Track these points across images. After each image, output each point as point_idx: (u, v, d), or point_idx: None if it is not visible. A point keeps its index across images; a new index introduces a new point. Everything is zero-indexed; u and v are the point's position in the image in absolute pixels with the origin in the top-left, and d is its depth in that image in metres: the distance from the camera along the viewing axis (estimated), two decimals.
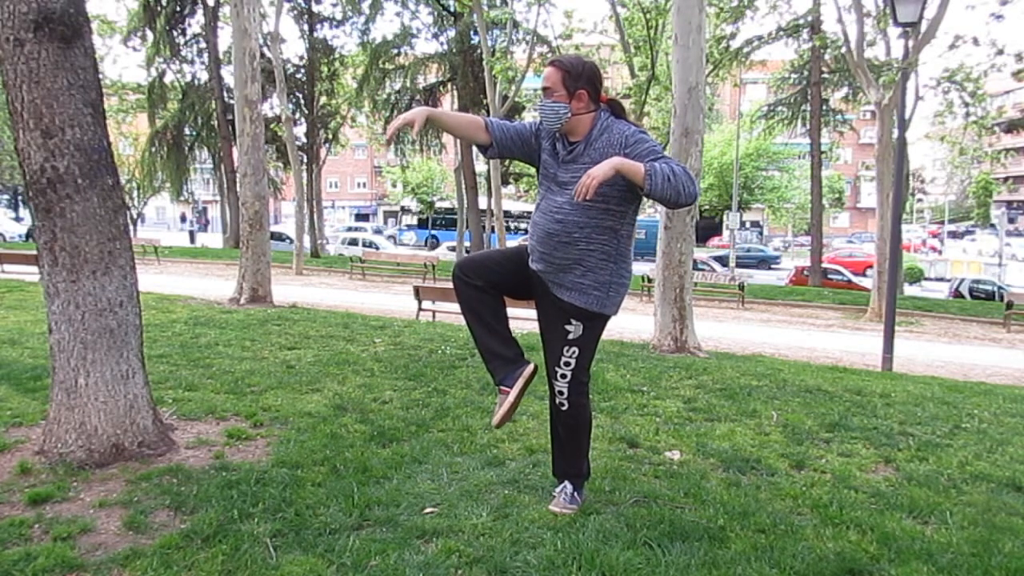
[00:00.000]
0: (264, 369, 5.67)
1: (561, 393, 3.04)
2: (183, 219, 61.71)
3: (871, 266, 23.92)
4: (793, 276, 28.68)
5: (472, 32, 25.97)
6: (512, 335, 3.13)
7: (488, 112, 23.27)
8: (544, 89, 2.89)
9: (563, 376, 3.01)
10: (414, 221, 50.69)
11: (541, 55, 25.40)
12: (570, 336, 2.96)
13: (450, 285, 3.21)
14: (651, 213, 45.49)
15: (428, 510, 3.01)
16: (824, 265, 27.57)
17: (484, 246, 29.87)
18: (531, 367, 3.04)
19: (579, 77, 2.85)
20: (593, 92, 2.88)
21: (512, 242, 27.78)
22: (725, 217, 32.00)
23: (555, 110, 2.86)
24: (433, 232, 45.40)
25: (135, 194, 38.76)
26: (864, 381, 6.66)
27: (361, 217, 64.81)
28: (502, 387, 3.04)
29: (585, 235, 2.87)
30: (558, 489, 3.13)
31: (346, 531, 2.80)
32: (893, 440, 4.43)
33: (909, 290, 28.53)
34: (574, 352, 2.99)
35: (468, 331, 3.12)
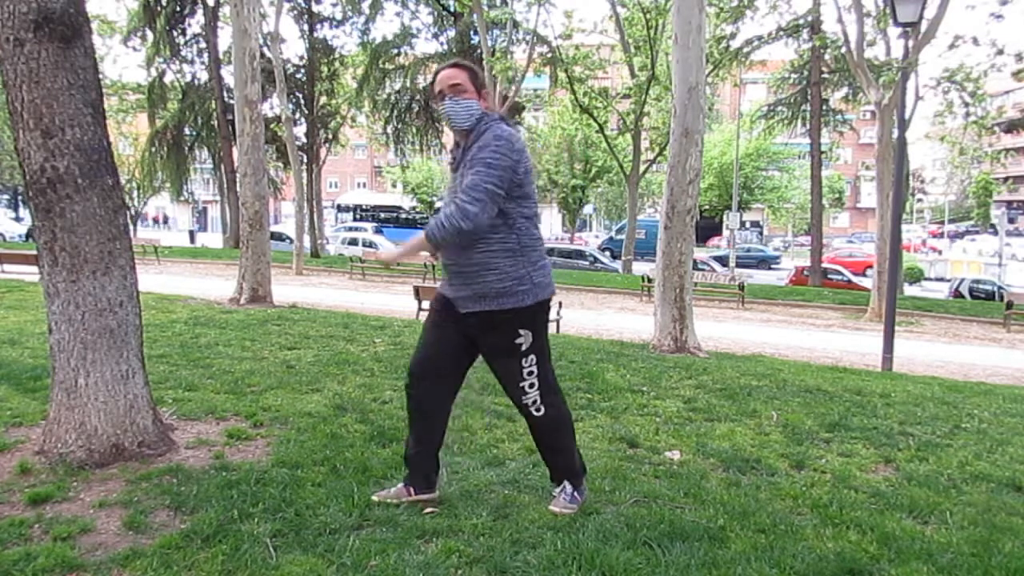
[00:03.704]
0: (264, 369, 5.67)
1: (534, 402, 2.99)
2: (141, 218, 57.97)
3: (871, 266, 23.90)
4: (793, 276, 28.66)
5: (472, 32, 25.98)
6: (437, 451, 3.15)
7: None
8: (453, 86, 2.90)
9: (531, 386, 2.97)
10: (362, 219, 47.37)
11: (541, 55, 25.41)
12: (523, 347, 2.92)
13: None
14: (651, 213, 45.55)
15: (428, 510, 3.01)
16: (824, 265, 27.56)
17: None
18: (431, 505, 3.03)
19: (480, 78, 2.98)
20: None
21: None
22: (725, 217, 31.96)
23: (468, 107, 2.89)
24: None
25: (135, 194, 38.74)
26: (864, 381, 6.67)
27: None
28: (409, 487, 3.08)
29: (482, 235, 2.83)
30: (557, 489, 3.13)
31: (346, 531, 2.80)
32: (893, 440, 4.43)
33: (909, 290, 28.53)
34: (532, 360, 2.95)
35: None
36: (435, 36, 29.58)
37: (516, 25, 24.56)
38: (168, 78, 32.46)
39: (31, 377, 4.97)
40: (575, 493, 3.09)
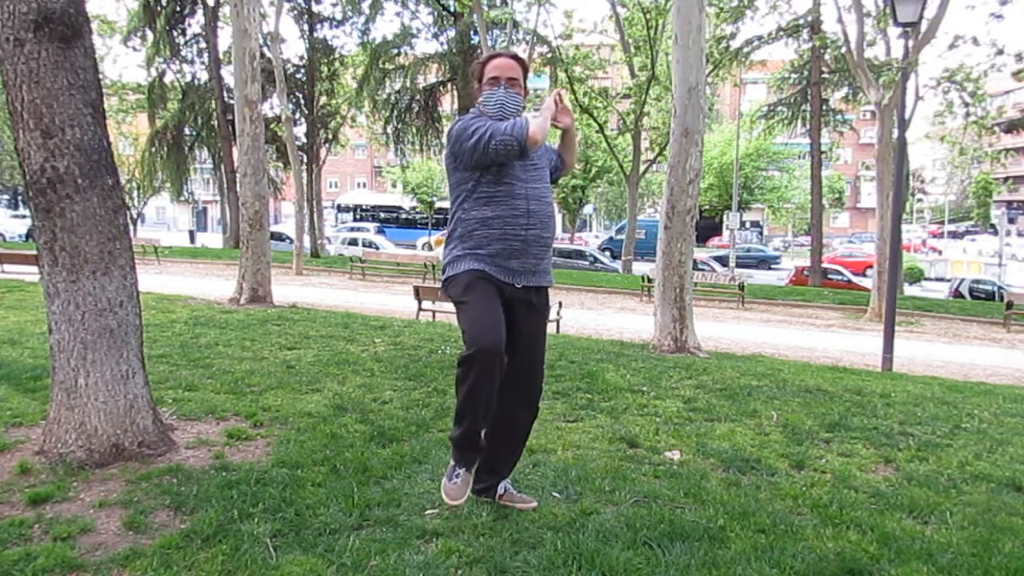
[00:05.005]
0: (264, 369, 5.67)
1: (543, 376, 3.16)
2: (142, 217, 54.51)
3: (871, 266, 23.90)
4: (793, 276, 28.65)
5: (472, 32, 25.95)
6: None
7: None
8: (512, 79, 2.98)
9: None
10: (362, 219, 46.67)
11: (541, 55, 25.41)
12: (549, 319, 3.07)
13: None
14: (651, 213, 45.53)
15: (428, 511, 3.01)
16: (824, 265, 27.55)
17: None
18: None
19: (527, 77, 3.10)
20: None
21: None
22: (725, 217, 31.94)
23: (519, 102, 3.01)
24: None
25: (135, 194, 38.73)
26: (864, 381, 6.67)
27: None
28: (468, 469, 2.96)
29: (452, 206, 3.00)
30: (509, 484, 3.17)
31: (346, 531, 2.80)
32: (893, 440, 4.43)
33: (909, 290, 28.51)
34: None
35: (467, 412, 2.86)
36: (435, 36, 29.53)
37: (516, 25, 24.56)
38: (168, 78, 32.43)
39: (31, 377, 4.97)
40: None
